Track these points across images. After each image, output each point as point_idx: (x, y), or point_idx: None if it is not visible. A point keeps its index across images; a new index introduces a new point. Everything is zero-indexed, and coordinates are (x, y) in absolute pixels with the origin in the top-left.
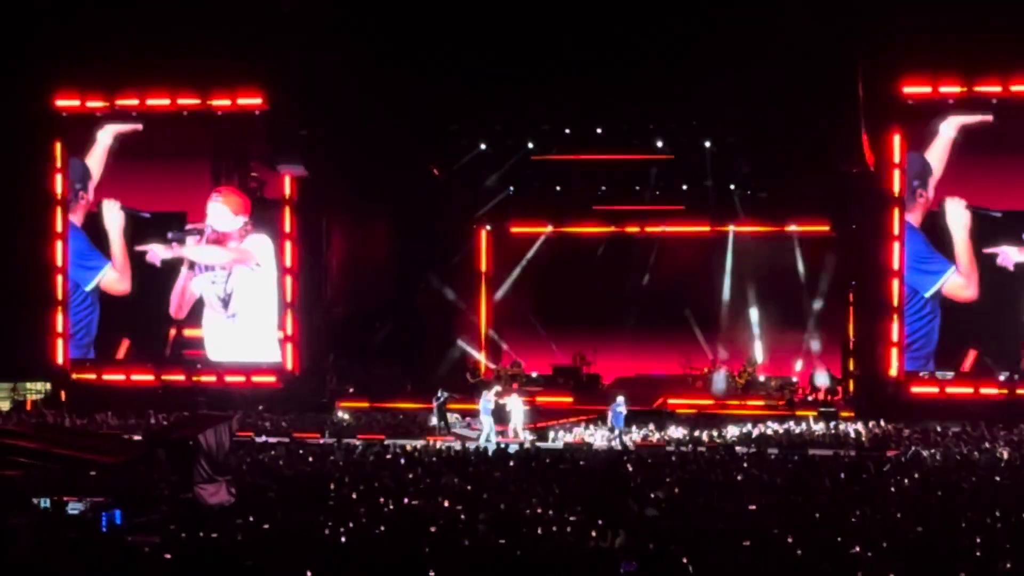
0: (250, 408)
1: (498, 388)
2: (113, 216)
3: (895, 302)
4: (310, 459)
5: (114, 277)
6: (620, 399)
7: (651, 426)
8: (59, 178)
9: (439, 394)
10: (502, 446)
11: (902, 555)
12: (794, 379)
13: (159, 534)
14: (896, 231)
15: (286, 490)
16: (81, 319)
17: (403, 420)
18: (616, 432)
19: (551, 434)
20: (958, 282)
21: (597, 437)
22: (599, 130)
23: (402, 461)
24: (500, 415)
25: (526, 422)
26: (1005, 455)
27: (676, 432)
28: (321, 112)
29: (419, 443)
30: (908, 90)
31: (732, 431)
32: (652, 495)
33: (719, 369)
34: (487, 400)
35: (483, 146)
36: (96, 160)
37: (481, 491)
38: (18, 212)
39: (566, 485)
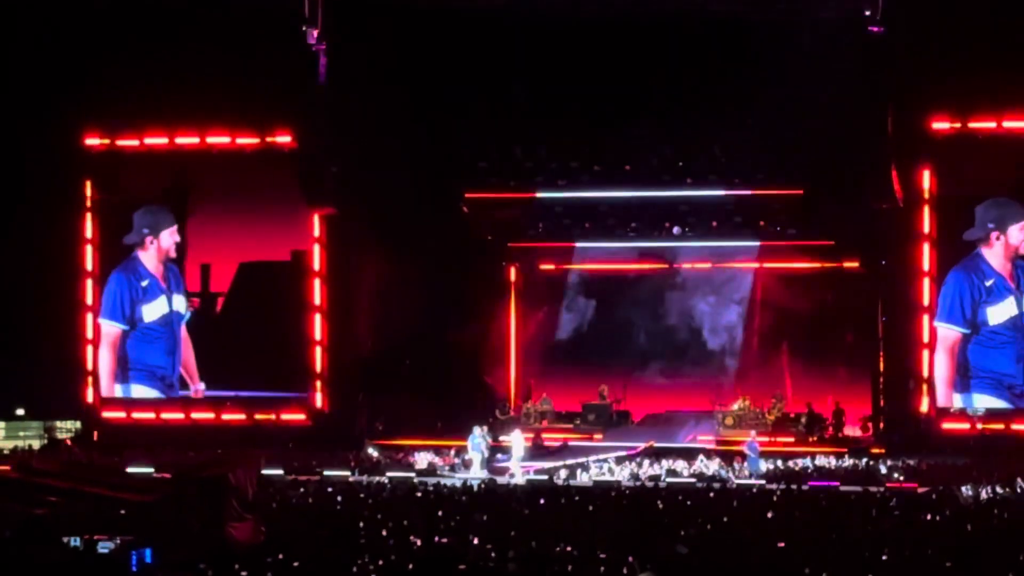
0: (280, 446)
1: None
2: None
3: (925, 338)
4: (339, 497)
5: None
6: (753, 432)
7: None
8: (88, 217)
9: (475, 432)
10: (496, 481)
11: None
12: (824, 415)
13: (189, 572)
14: (926, 267)
15: (316, 528)
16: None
17: (434, 457)
18: (752, 476)
19: (579, 471)
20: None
21: (625, 474)
22: (628, 167)
23: (431, 498)
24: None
25: (525, 460)
26: None
27: (706, 468)
28: (351, 150)
29: (449, 481)
30: (937, 126)
31: (762, 467)
32: (682, 532)
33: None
34: (476, 436)
35: (512, 183)
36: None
37: (510, 529)
38: (49, 251)
39: (596, 522)
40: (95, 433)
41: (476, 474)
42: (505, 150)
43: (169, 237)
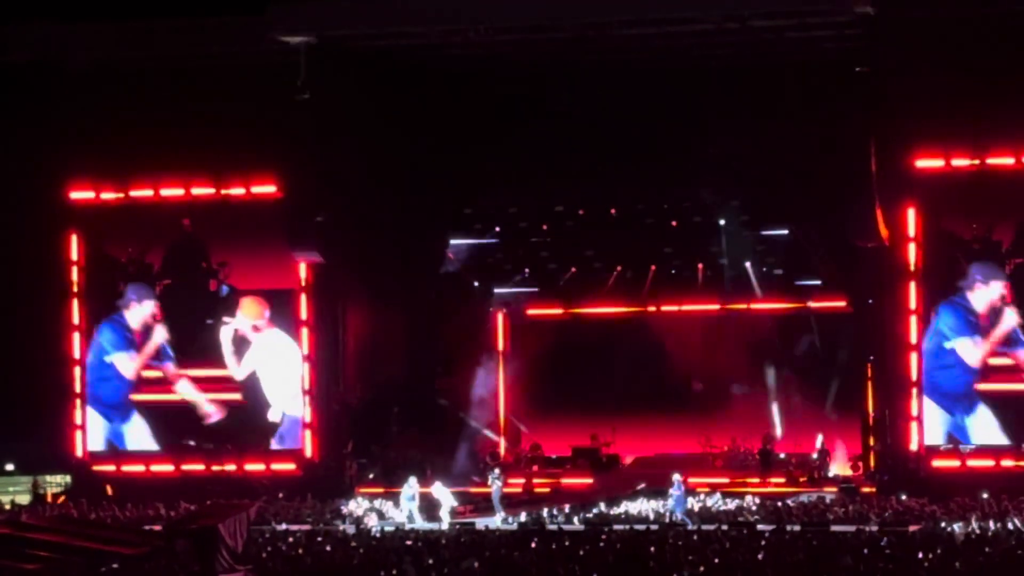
0: (270, 496)
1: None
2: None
3: (913, 376)
4: (328, 548)
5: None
6: (676, 478)
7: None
8: (75, 270)
9: (409, 482)
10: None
11: None
12: (814, 455)
13: None
14: (912, 305)
15: None
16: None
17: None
18: (680, 517)
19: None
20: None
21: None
22: (613, 211)
23: (419, 545)
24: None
25: (454, 508)
26: None
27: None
28: (336, 198)
29: (441, 527)
30: (921, 164)
31: (753, 508)
32: None
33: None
34: (409, 486)
35: (497, 229)
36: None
37: (502, 575)
38: (35, 305)
39: (588, 567)
40: (83, 487)
41: (410, 522)
42: (490, 196)
43: (149, 308)
